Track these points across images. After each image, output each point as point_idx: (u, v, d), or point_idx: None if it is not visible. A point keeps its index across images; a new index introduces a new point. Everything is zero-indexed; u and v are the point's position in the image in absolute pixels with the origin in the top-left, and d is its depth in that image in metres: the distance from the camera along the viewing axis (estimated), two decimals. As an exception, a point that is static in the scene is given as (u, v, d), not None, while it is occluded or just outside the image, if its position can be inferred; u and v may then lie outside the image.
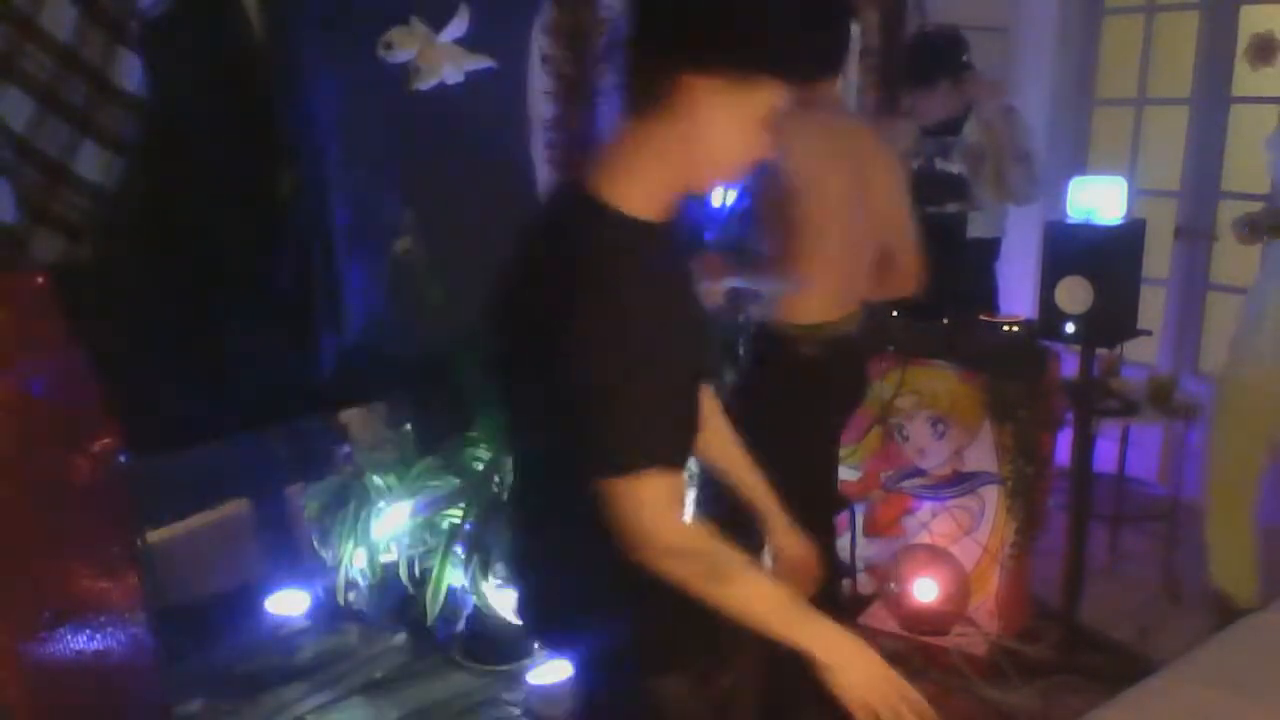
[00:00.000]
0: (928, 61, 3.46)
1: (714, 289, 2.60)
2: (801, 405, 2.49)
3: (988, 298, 3.64)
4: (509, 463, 3.01)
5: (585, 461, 1.32)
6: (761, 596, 1.34)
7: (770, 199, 2.43)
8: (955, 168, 3.39)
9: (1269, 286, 3.02)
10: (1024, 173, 3.49)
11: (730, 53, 1.29)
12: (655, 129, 1.33)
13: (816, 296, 2.43)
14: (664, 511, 1.32)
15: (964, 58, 3.44)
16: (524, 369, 1.43)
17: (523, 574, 1.63)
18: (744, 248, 3.34)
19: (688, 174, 1.37)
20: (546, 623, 1.58)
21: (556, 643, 1.64)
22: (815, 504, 2.53)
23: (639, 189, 1.35)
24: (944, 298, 2.79)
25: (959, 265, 2.81)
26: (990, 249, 3.68)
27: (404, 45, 2.81)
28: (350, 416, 3.38)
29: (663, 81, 1.30)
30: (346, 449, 3.32)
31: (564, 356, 1.31)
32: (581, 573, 1.45)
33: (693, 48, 1.29)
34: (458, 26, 2.89)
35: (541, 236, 1.43)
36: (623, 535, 1.31)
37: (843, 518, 3.10)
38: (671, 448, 1.36)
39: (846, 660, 1.32)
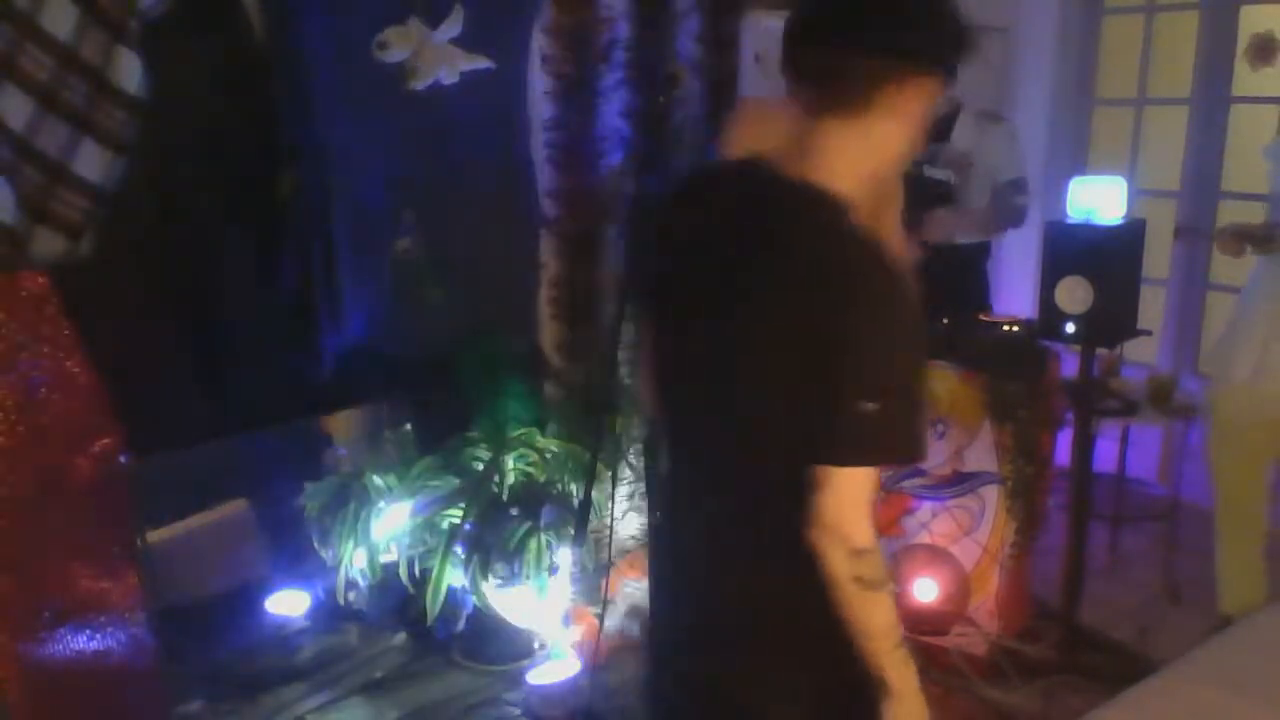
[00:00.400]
0: None
1: None
2: None
3: (979, 300, 3.65)
4: (508, 462, 3.02)
5: (819, 444, 1.33)
6: (888, 619, 1.40)
7: None
8: (942, 174, 3.40)
9: (1255, 294, 3.00)
10: (1012, 204, 3.49)
11: (945, 51, 1.41)
12: (859, 124, 1.39)
13: None
14: (867, 509, 1.36)
15: None
16: (735, 352, 1.42)
17: (709, 573, 1.55)
18: None
19: (881, 166, 1.44)
20: (751, 619, 1.51)
21: (760, 636, 1.51)
22: None
23: (850, 182, 1.40)
24: (936, 300, 2.79)
25: (948, 268, 2.79)
26: (980, 252, 3.69)
27: (398, 45, 2.81)
28: (349, 416, 3.38)
29: (876, 84, 1.37)
30: (345, 449, 3.32)
31: (838, 347, 1.31)
32: (799, 567, 1.41)
33: (919, 49, 1.38)
34: (452, 26, 2.89)
35: (748, 224, 1.43)
36: (825, 521, 1.34)
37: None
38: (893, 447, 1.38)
39: (906, 706, 1.43)
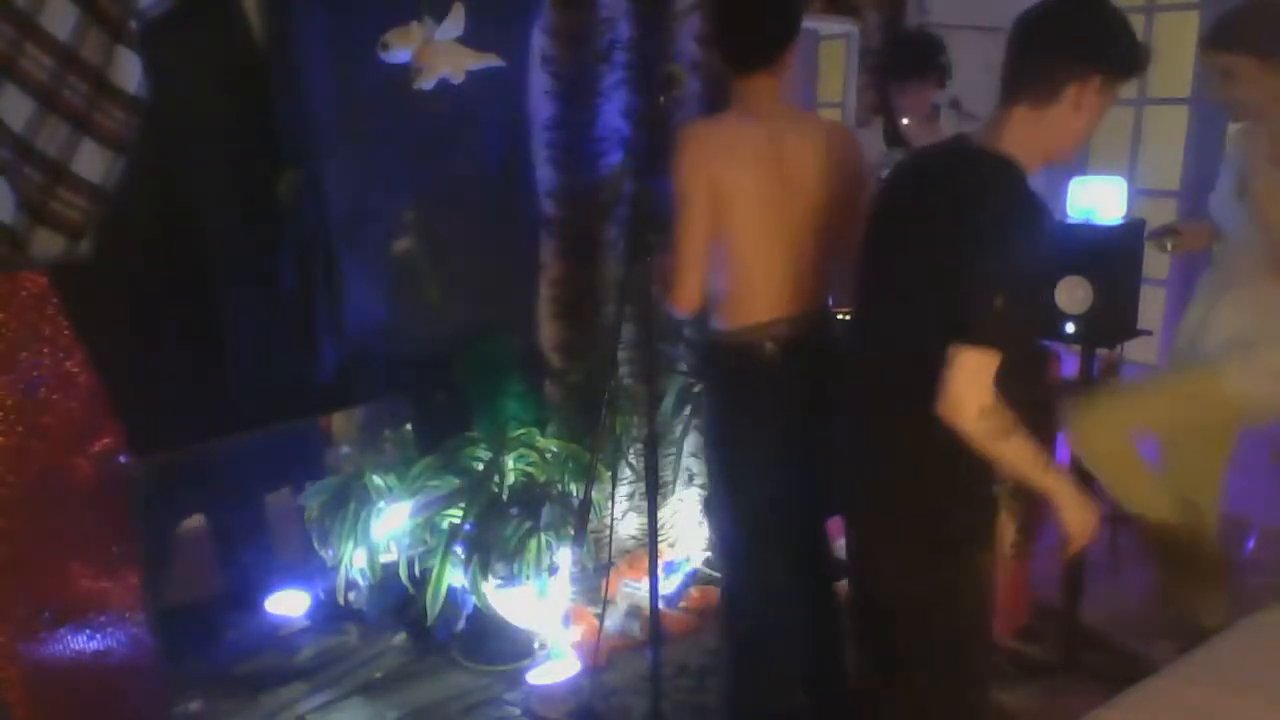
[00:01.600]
0: (912, 58, 3.49)
1: None
2: (753, 410, 2.44)
3: None
4: (508, 462, 3.02)
5: (950, 331, 1.75)
6: (1028, 450, 1.83)
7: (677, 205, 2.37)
8: None
9: (1198, 296, 2.95)
10: None
11: (1119, 62, 1.85)
12: (1045, 112, 1.84)
13: (739, 299, 2.39)
14: (988, 380, 1.76)
15: (942, 59, 3.48)
16: (922, 270, 1.85)
17: (875, 460, 2.00)
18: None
19: (1055, 149, 1.89)
20: (882, 504, 2.00)
21: (885, 522, 2.01)
22: (792, 510, 2.50)
23: (1026, 157, 1.85)
24: None
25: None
26: None
27: (399, 45, 2.81)
28: (349, 416, 3.38)
29: (1064, 81, 1.82)
30: (345, 449, 3.32)
31: (973, 255, 1.76)
32: (937, 459, 1.87)
33: (1095, 58, 1.83)
34: (453, 26, 2.88)
35: (947, 177, 1.90)
36: (951, 391, 1.75)
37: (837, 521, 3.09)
38: (1010, 338, 1.79)
39: (1070, 504, 1.92)
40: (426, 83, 2.88)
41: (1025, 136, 1.85)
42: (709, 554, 3.77)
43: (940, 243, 1.82)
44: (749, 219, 2.34)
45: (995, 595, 2.06)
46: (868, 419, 2.01)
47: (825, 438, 2.29)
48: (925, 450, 1.86)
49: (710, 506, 2.70)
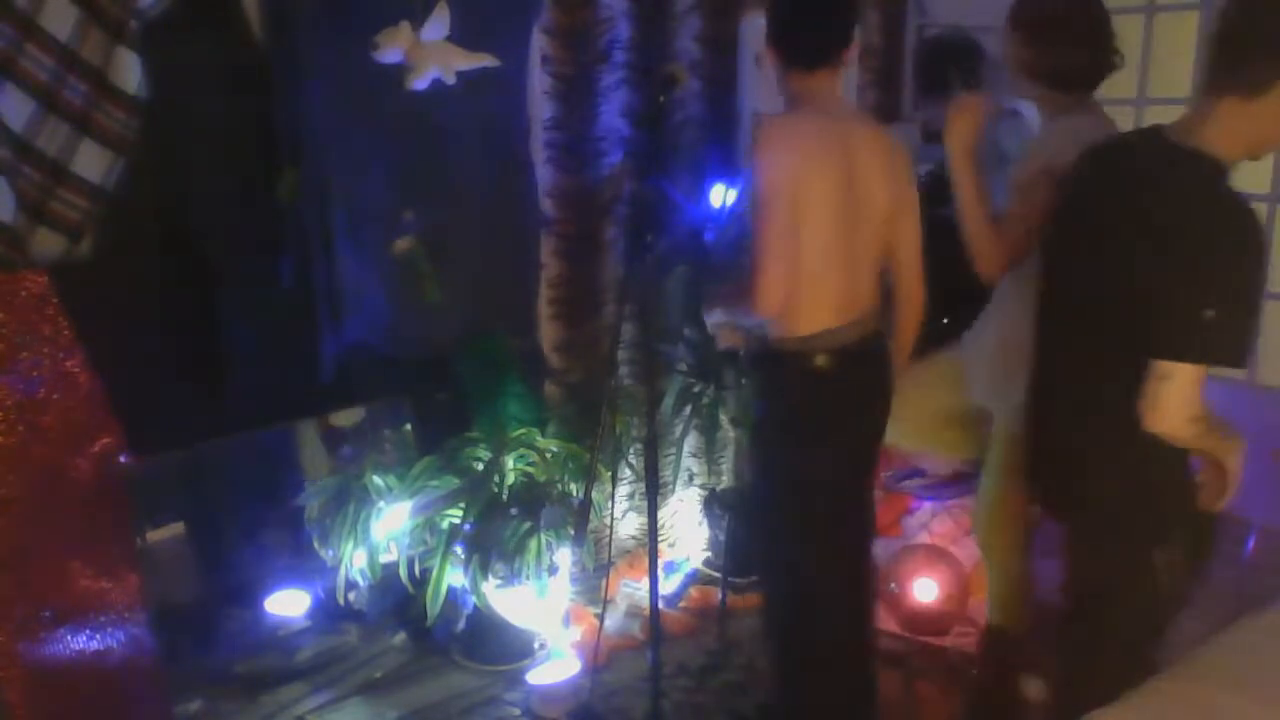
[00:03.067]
0: (941, 69, 3.39)
1: (725, 328, 2.56)
2: (814, 419, 2.43)
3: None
4: (508, 462, 3.02)
5: (1159, 346, 1.79)
6: (1218, 439, 1.93)
7: (751, 207, 2.31)
8: None
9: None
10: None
11: None
12: (1250, 107, 1.82)
13: (808, 305, 2.33)
14: (1200, 392, 1.81)
15: (978, 64, 3.39)
16: (1120, 277, 1.87)
17: (1069, 457, 2.11)
18: (723, 274, 3.29)
19: (1262, 141, 1.89)
20: (1080, 494, 2.13)
21: (1079, 511, 2.17)
22: (845, 521, 2.51)
23: (1231, 149, 1.85)
24: (952, 296, 2.74)
25: (967, 264, 2.75)
26: None
27: (390, 45, 2.80)
28: (349, 417, 3.38)
29: (1275, 76, 1.79)
30: (346, 449, 3.32)
31: (1178, 267, 1.77)
32: (1131, 452, 1.94)
33: None
34: (438, 26, 2.87)
35: (1152, 173, 1.88)
36: (1167, 407, 1.80)
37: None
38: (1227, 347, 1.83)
39: (1230, 463, 1.98)
40: (418, 82, 2.87)
41: (1231, 129, 1.83)
42: (709, 554, 3.77)
43: (1140, 251, 1.82)
44: (821, 222, 2.30)
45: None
46: (1069, 423, 2.08)
47: (872, 445, 2.48)
48: (1120, 453, 1.95)
49: (755, 511, 2.67)
